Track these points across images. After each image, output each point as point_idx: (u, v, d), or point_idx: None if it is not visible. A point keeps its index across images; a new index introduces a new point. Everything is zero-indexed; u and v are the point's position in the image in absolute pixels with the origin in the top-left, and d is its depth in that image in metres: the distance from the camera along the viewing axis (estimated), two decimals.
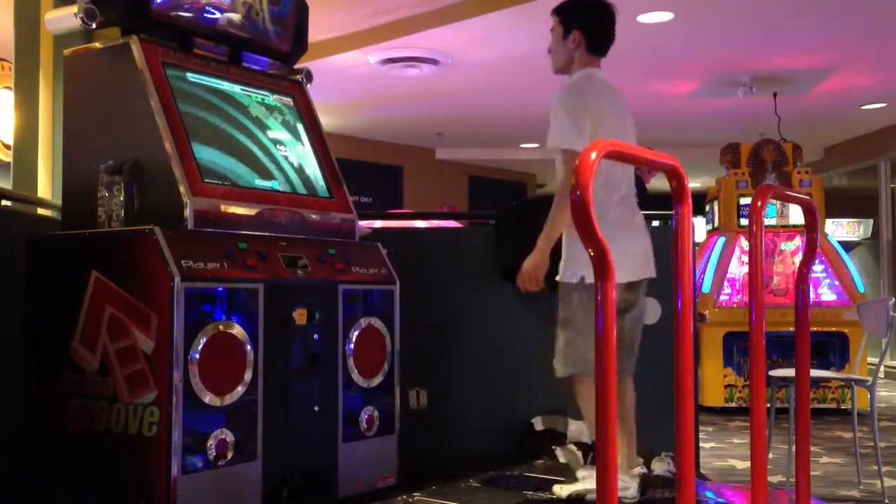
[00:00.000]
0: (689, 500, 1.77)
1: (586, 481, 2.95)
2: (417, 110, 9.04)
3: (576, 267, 2.91)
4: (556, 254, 3.00)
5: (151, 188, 2.66)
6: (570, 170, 2.83)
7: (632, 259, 2.93)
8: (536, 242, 3.01)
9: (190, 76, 2.90)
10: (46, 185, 3.68)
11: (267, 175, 2.97)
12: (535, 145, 10.83)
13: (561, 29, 3.11)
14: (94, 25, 2.79)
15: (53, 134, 3.61)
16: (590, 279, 2.77)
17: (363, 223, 3.39)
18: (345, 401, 2.90)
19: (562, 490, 2.99)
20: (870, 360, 5.71)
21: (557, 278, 2.98)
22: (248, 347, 2.55)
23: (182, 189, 2.59)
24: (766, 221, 6.04)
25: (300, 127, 3.24)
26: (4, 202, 3.11)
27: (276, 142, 3.11)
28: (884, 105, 8.59)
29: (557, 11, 3.15)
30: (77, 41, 3.12)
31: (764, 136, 7.70)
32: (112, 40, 2.84)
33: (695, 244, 4.64)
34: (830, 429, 5.94)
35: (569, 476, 3.15)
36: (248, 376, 2.54)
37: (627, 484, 2.88)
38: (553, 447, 3.55)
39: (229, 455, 2.49)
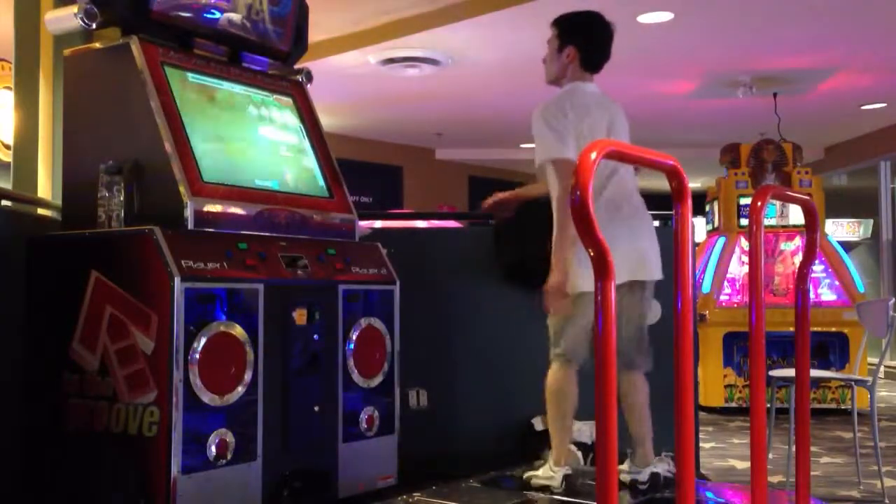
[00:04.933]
0: (689, 500, 1.77)
1: (553, 479, 3.01)
2: (417, 110, 9.03)
3: (574, 278, 2.90)
4: (546, 260, 3.00)
5: (151, 188, 2.66)
6: (564, 177, 2.83)
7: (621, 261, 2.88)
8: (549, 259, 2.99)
9: (190, 76, 2.89)
10: (46, 185, 3.67)
11: (267, 175, 2.96)
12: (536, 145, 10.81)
13: (557, 42, 3.10)
14: (94, 26, 2.79)
15: (53, 134, 3.60)
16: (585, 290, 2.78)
17: (363, 223, 3.39)
18: (345, 401, 2.90)
19: (531, 478, 3.07)
20: (870, 360, 5.71)
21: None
22: (248, 347, 2.55)
23: (182, 189, 2.59)
24: (766, 221, 6.03)
25: (300, 127, 3.23)
26: (4, 202, 3.10)
27: (275, 142, 3.11)
28: (884, 105, 8.58)
29: (556, 23, 3.13)
30: (77, 41, 3.12)
31: (764, 136, 7.70)
32: (112, 40, 2.84)
33: (695, 244, 4.64)
34: (830, 429, 5.94)
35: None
36: (248, 376, 2.54)
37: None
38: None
39: (229, 455, 2.49)
